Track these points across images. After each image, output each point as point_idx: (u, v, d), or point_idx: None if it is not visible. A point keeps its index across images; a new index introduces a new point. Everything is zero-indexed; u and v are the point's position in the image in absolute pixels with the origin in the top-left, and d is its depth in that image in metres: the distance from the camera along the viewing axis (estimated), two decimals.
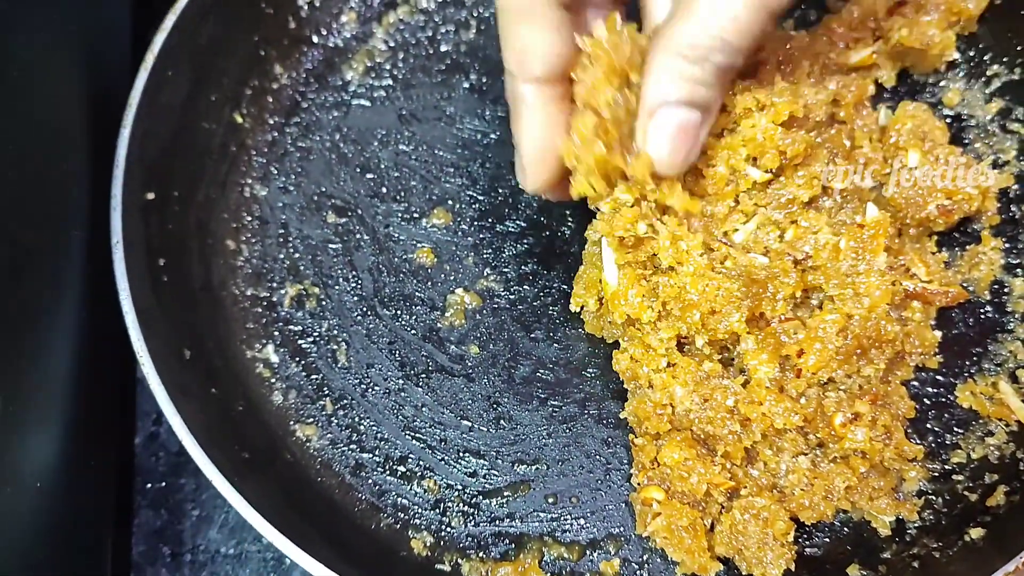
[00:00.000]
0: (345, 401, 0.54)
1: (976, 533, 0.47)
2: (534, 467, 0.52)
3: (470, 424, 0.53)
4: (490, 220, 0.57)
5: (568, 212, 0.56)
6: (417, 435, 0.53)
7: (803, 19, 0.60)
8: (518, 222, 0.57)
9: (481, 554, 0.50)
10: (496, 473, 0.52)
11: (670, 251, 0.47)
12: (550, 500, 0.51)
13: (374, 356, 0.55)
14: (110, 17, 0.60)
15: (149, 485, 0.56)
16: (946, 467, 0.50)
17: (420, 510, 0.51)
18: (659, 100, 0.43)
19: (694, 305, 0.47)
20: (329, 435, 0.53)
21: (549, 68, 0.45)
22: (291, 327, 0.55)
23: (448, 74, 0.61)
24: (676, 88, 0.43)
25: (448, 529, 0.51)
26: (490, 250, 0.56)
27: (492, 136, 0.59)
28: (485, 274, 0.56)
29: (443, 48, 0.61)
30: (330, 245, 0.57)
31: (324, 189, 0.58)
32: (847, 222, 0.50)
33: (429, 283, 0.56)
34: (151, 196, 0.53)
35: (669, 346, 0.49)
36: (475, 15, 0.62)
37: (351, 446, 0.53)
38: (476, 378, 0.54)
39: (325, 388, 0.54)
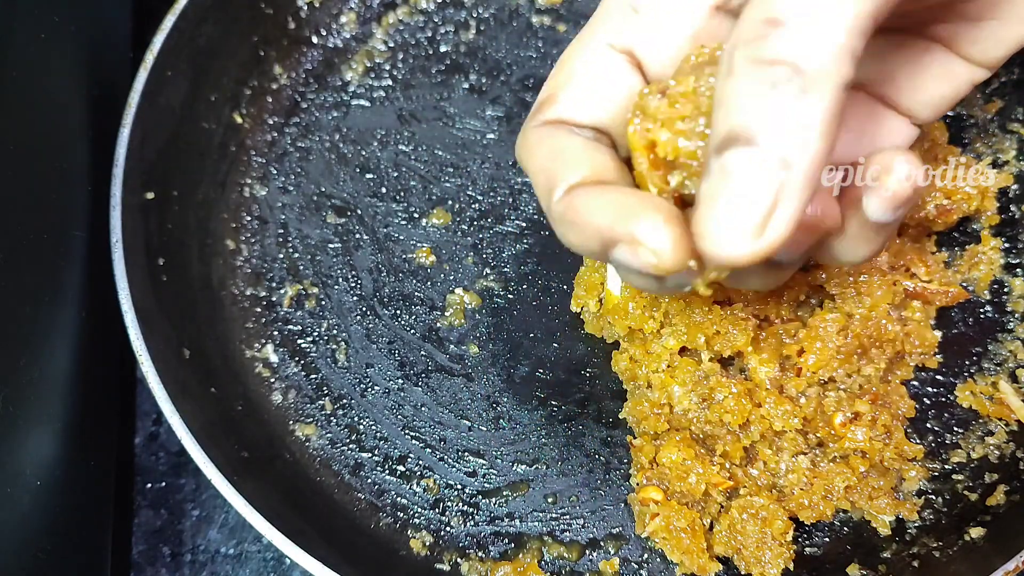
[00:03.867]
0: (344, 401, 0.54)
1: (976, 532, 0.47)
2: (533, 467, 0.52)
3: (469, 424, 0.53)
4: (490, 220, 0.57)
5: None
6: (416, 434, 0.53)
7: None
8: (518, 222, 0.57)
9: (480, 553, 0.50)
10: (495, 472, 0.52)
11: None
12: (549, 500, 0.51)
13: (373, 356, 0.55)
14: (110, 17, 0.60)
15: (149, 485, 0.56)
16: (946, 467, 0.50)
17: (419, 509, 0.51)
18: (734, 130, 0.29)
19: (699, 328, 0.47)
20: (328, 434, 0.53)
21: (594, 171, 0.34)
22: (290, 327, 0.55)
23: (448, 74, 0.61)
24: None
25: (447, 528, 0.51)
26: (490, 250, 0.56)
27: (491, 136, 0.59)
28: (485, 274, 0.56)
29: (443, 48, 0.61)
30: (329, 245, 0.57)
31: (323, 189, 0.58)
32: None
33: (428, 283, 0.56)
34: (150, 196, 0.53)
35: (672, 351, 0.49)
36: (475, 16, 0.62)
37: (350, 446, 0.53)
38: (475, 378, 0.54)
39: (324, 388, 0.54)
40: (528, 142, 0.37)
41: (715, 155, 0.29)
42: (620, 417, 0.51)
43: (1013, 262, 0.53)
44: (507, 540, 0.50)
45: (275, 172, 0.59)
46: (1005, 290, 0.53)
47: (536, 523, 0.51)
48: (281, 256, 0.57)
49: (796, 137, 0.28)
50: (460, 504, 0.51)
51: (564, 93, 0.37)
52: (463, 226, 0.57)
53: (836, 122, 0.28)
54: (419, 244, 0.57)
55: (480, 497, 0.51)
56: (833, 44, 0.28)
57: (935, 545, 0.47)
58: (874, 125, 0.39)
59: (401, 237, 0.57)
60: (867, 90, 0.39)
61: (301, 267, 0.57)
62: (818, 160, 0.28)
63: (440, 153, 0.59)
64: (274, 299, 0.56)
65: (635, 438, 0.50)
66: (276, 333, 0.55)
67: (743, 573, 0.47)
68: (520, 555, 0.50)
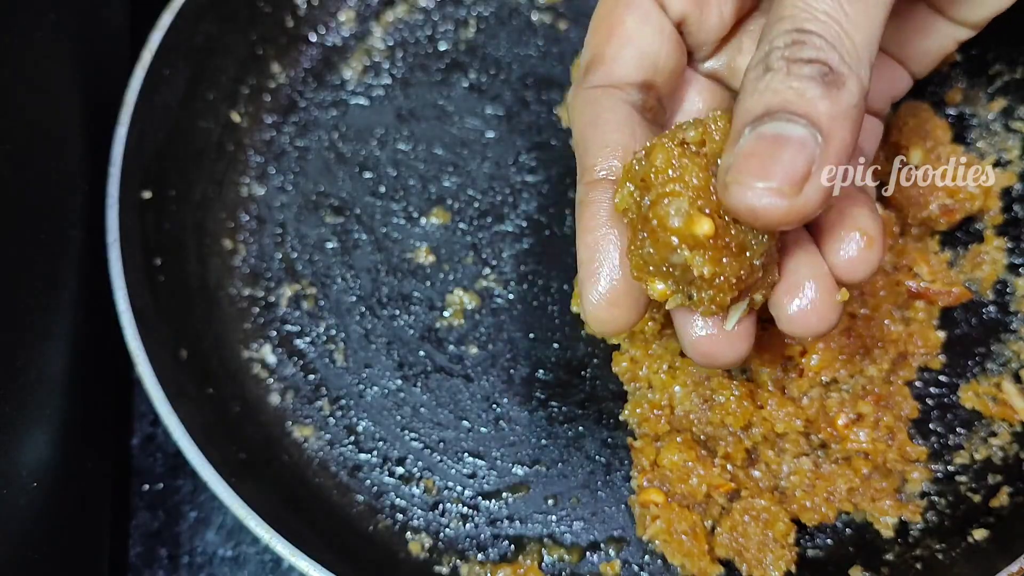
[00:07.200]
0: (343, 402, 0.53)
1: (979, 534, 0.46)
2: (534, 468, 0.51)
3: (469, 425, 0.52)
4: (489, 219, 0.57)
5: (568, 212, 0.56)
6: (415, 435, 0.52)
7: None
8: (517, 221, 0.56)
9: (480, 556, 0.50)
10: (495, 474, 0.51)
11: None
12: (550, 501, 0.51)
13: (372, 356, 0.54)
14: (107, 15, 0.60)
15: (146, 487, 0.56)
16: (949, 468, 0.49)
17: (418, 511, 0.51)
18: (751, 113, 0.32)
19: None
20: (327, 436, 0.53)
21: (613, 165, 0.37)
22: (288, 327, 0.55)
23: (447, 73, 0.60)
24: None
25: (447, 531, 0.50)
26: (489, 250, 0.56)
27: (491, 135, 0.58)
28: (484, 274, 0.55)
29: (442, 47, 0.61)
30: (328, 244, 0.57)
31: (322, 188, 0.58)
32: None
33: (428, 283, 0.55)
34: (147, 195, 0.53)
35: (674, 352, 0.49)
36: (474, 13, 0.62)
37: (349, 447, 0.52)
38: (475, 378, 0.53)
39: (323, 388, 0.54)
40: (576, 104, 0.39)
41: (750, 127, 0.32)
42: (621, 419, 0.51)
43: (1017, 262, 0.53)
44: (507, 542, 0.50)
45: (273, 171, 0.59)
46: (1009, 290, 0.53)
47: (536, 525, 0.50)
48: (279, 256, 0.57)
49: (832, 121, 0.32)
50: (460, 506, 0.51)
51: (609, 49, 0.39)
52: (462, 225, 0.57)
53: (861, 115, 0.33)
54: (418, 243, 0.56)
55: (480, 499, 0.51)
56: (856, 55, 0.32)
57: (938, 547, 0.47)
58: (877, 68, 0.41)
59: (400, 236, 0.57)
60: None
61: (299, 267, 0.56)
62: (849, 147, 0.32)
63: (439, 152, 0.58)
64: (272, 299, 0.56)
65: (636, 440, 0.49)
66: (274, 333, 0.55)
67: (744, 575, 0.47)
68: (520, 557, 0.49)
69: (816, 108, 0.32)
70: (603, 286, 0.36)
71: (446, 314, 0.55)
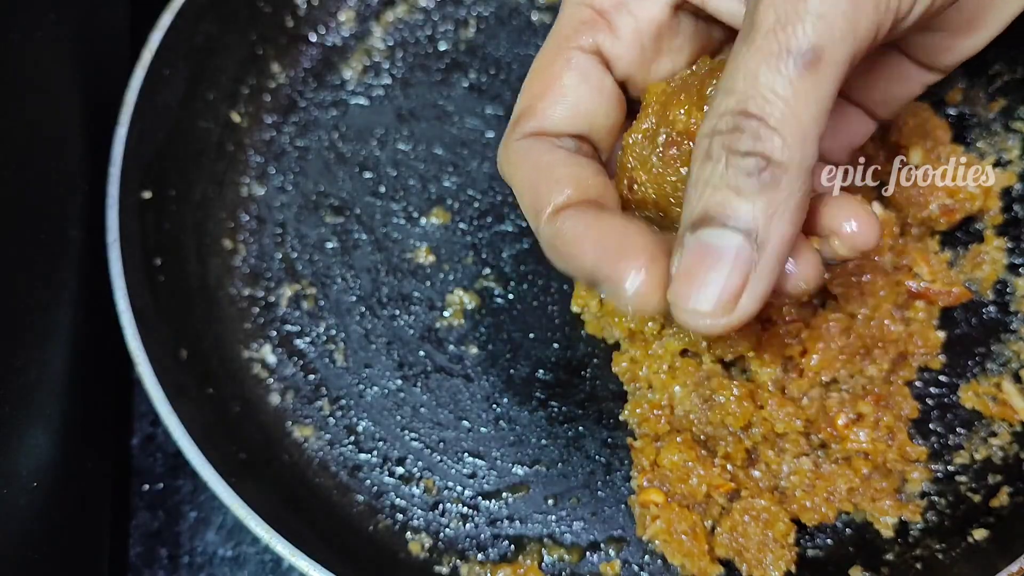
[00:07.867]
0: (343, 402, 0.53)
1: (979, 534, 0.46)
2: (533, 468, 0.51)
3: (469, 425, 0.52)
4: (489, 219, 0.57)
5: None
6: (415, 435, 0.52)
7: None
8: (517, 222, 0.56)
9: (480, 556, 0.50)
10: (495, 474, 0.51)
11: None
12: (550, 501, 0.51)
13: (372, 356, 0.54)
14: (107, 15, 0.60)
15: (146, 487, 0.56)
16: (949, 468, 0.49)
17: (418, 511, 0.51)
18: (691, 217, 0.32)
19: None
20: (327, 436, 0.53)
21: (578, 190, 0.35)
22: (288, 327, 0.55)
23: (447, 72, 0.60)
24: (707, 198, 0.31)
25: (447, 531, 0.50)
26: (489, 249, 0.56)
27: (491, 134, 0.58)
28: (484, 274, 0.55)
29: (442, 46, 0.61)
30: (328, 245, 0.57)
31: (322, 188, 0.58)
32: None
33: (427, 283, 0.55)
34: (147, 195, 0.53)
35: (674, 353, 0.49)
36: (474, 13, 0.62)
37: (348, 447, 0.52)
38: (475, 378, 0.53)
39: (323, 388, 0.54)
40: (510, 157, 0.37)
41: (690, 231, 0.32)
42: (621, 419, 0.51)
43: (1017, 262, 0.53)
44: (507, 542, 0.50)
45: (273, 171, 0.59)
46: (1009, 290, 0.53)
47: (536, 525, 0.50)
48: (279, 256, 0.57)
49: (768, 221, 0.31)
50: (459, 506, 0.51)
51: (542, 103, 0.37)
52: (462, 225, 0.57)
53: (804, 208, 0.32)
54: (418, 243, 0.56)
55: (480, 499, 0.51)
56: (801, 137, 0.31)
57: (938, 547, 0.47)
58: (835, 117, 0.41)
59: (400, 236, 0.57)
60: None
61: (299, 267, 0.56)
62: (789, 241, 0.32)
63: (439, 152, 0.58)
64: (272, 299, 0.56)
65: (636, 440, 0.49)
66: (274, 333, 0.55)
67: (744, 575, 0.47)
68: (520, 557, 0.49)
69: (752, 210, 0.31)
70: (637, 269, 0.33)
71: (446, 314, 0.55)
